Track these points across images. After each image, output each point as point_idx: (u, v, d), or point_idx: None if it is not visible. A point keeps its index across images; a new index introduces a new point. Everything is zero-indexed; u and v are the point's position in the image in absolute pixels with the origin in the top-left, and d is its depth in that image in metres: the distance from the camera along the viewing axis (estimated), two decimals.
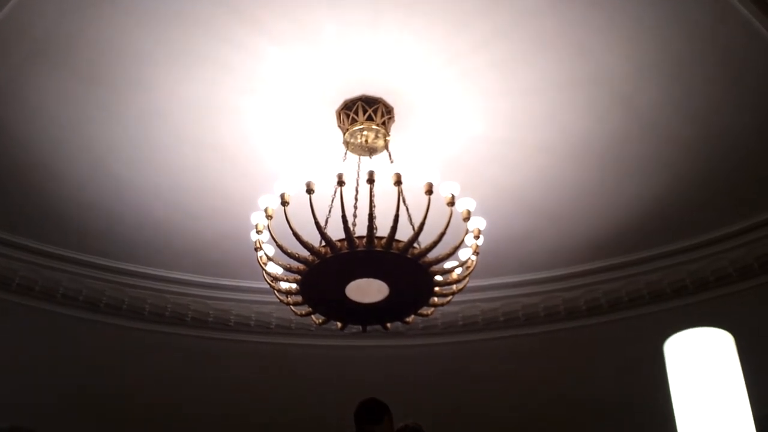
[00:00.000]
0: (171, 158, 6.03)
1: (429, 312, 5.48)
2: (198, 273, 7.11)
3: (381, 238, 4.95)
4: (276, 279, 5.31)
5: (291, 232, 4.92)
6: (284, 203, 5.00)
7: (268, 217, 5.12)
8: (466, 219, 5.18)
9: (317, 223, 4.94)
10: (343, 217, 4.91)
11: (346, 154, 5.67)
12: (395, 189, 5.00)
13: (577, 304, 7.15)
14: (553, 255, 6.92)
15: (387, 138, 5.60)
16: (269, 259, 5.27)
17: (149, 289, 7.11)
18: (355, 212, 5.35)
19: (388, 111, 5.62)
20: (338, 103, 5.60)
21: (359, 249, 4.90)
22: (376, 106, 5.58)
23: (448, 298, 5.40)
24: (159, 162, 6.07)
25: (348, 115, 5.62)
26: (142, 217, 6.56)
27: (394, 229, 4.90)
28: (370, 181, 4.98)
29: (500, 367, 7.50)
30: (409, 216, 5.33)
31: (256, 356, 7.48)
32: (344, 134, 5.62)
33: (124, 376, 7.51)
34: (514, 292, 7.17)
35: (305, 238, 5.01)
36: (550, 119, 5.72)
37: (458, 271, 5.32)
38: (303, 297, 5.26)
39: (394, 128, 5.72)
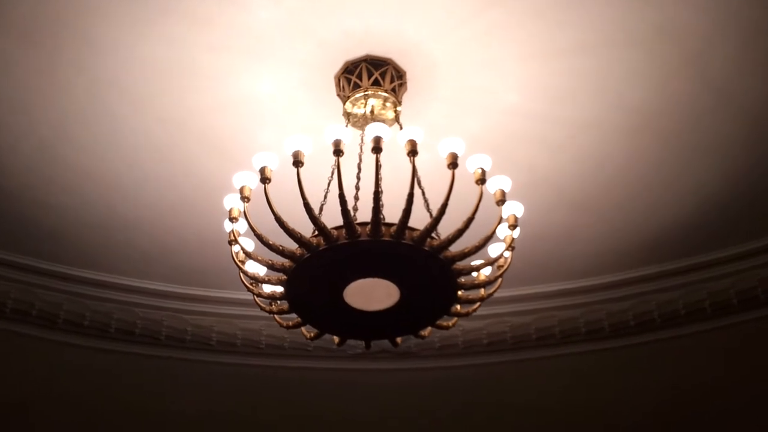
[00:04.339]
0: (133, 138, 5.36)
1: (450, 323, 4.74)
2: (172, 282, 6.57)
3: (390, 225, 4.15)
4: (256, 281, 4.48)
5: (273, 217, 4.15)
6: (265, 180, 4.17)
7: (245, 199, 4.26)
8: (500, 202, 4.34)
9: (307, 204, 4.07)
10: (341, 196, 4.04)
11: (346, 127, 4.89)
12: (406, 169, 4.23)
13: (625, 319, 6.55)
14: (598, 258, 6.33)
15: (397, 108, 4.92)
16: (248, 255, 4.42)
17: (115, 301, 6.55)
18: (356, 194, 4.59)
19: (399, 76, 4.93)
20: (338, 65, 4.90)
21: (362, 239, 4.12)
22: (384, 69, 4.87)
23: (475, 306, 4.60)
24: (118, 143, 5.39)
25: (350, 81, 4.91)
26: (101, 214, 5.92)
27: (407, 212, 4.07)
28: (377, 149, 4.09)
29: (533, 394, 6.99)
30: (425, 199, 4.64)
31: (243, 381, 6.95)
32: (344, 103, 4.95)
33: (86, 403, 6.95)
34: (549, 303, 6.63)
35: (292, 225, 4.22)
36: (601, 87, 5.02)
37: (487, 270, 4.54)
38: (290, 303, 4.47)
39: (407, 98, 5.03)
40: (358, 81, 4.84)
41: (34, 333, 6.45)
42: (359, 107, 4.86)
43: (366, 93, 4.82)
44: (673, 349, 6.57)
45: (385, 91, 4.84)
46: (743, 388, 6.69)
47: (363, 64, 4.83)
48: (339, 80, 4.91)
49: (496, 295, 4.71)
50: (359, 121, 4.90)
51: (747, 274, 6.19)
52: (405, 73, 4.90)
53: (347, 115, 4.91)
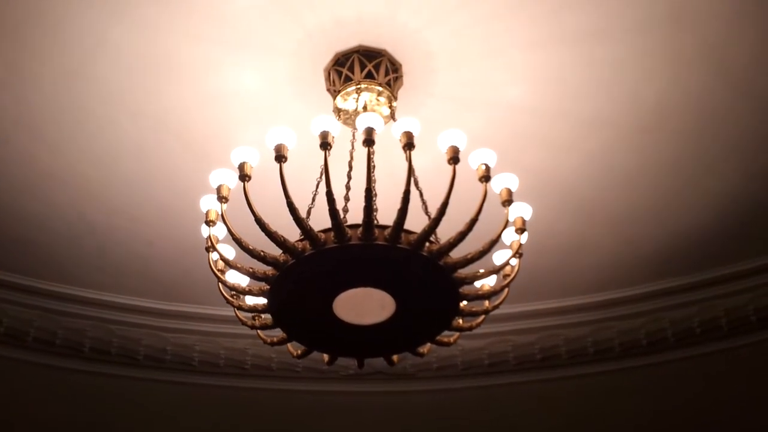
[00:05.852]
0: (104, 136, 5.07)
1: (451, 339, 4.46)
2: (151, 297, 6.34)
3: (384, 227, 3.85)
4: (237, 292, 4.13)
5: (254, 219, 3.82)
6: (244, 177, 3.83)
7: (222, 199, 3.92)
8: (506, 203, 4.00)
9: (290, 204, 3.73)
10: (329, 194, 3.69)
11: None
12: (401, 170, 3.84)
13: (637, 337, 6.35)
14: (608, 272, 6.10)
15: (393, 104, 4.62)
16: (227, 263, 4.06)
17: (89, 318, 6.30)
18: (347, 194, 4.30)
19: (395, 68, 4.66)
20: (328, 57, 4.64)
21: (352, 242, 3.79)
22: (378, 61, 4.59)
23: (479, 319, 4.30)
24: (88, 141, 5.11)
25: (340, 74, 4.62)
26: (71, 222, 5.66)
27: (403, 212, 3.73)
28: (368, 142, 3.77)
29: (537, 419, 6.78)
30: (423, 201, 4.34)
31: (227, 404, 6.74)
32: (335, 99, 4.67)
33: (57, 428, 6.68)
34: (555, 321, 6.42)
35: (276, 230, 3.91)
36: (612, 81, 4.75)
37: (492, 280, 4.20)
38: (273, 316, 4.14)
39: (402, 93, 4.75)
40: (349, 74, 4.57)
41: (1, 352, 6.19)
42: (351, 102, 4.57)
43: (358, 86, 4.55)
44: (688, 369, 6.36)
45: (379, 85, 4.58)
46: (766, 409, 6.50)
47: (355, 56, 4.56)
48: (329, 73, 4.64)
49: (497, 311, 4.45)
50: (351, 118, 4.61)
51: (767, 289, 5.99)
52: (401, 65, 4.63)
53: (338, 112, 4.65)
